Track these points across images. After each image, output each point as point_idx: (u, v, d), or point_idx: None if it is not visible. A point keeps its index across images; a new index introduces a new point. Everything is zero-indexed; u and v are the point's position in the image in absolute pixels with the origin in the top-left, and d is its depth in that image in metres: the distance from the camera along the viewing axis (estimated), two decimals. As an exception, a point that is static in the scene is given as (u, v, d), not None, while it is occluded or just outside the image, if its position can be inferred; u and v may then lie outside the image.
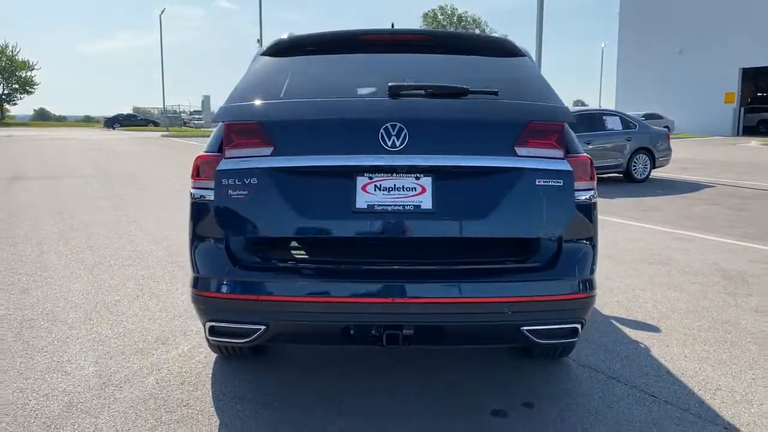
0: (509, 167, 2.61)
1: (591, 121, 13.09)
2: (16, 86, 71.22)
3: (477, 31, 79.78)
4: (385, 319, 2.60)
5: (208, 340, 3.00)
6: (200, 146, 3.22)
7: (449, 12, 79.79)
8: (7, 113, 74.02)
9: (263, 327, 2.62)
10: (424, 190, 2.59)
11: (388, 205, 2.57)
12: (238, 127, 2.65)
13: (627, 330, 4.15)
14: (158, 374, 3.38)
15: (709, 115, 40.28)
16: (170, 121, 56.85)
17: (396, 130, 2.56)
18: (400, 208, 2.57)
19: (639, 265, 5.98)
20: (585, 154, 2.78)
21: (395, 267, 2.64)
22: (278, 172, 2.60)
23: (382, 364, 3.55)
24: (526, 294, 2.63)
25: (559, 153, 2.64)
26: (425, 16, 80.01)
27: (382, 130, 2.56)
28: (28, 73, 71.10)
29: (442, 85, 2.75)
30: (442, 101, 2.70)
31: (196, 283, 2.72)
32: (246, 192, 2.60)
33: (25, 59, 71.04)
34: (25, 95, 72.17)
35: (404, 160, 2.56)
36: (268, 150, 2.61)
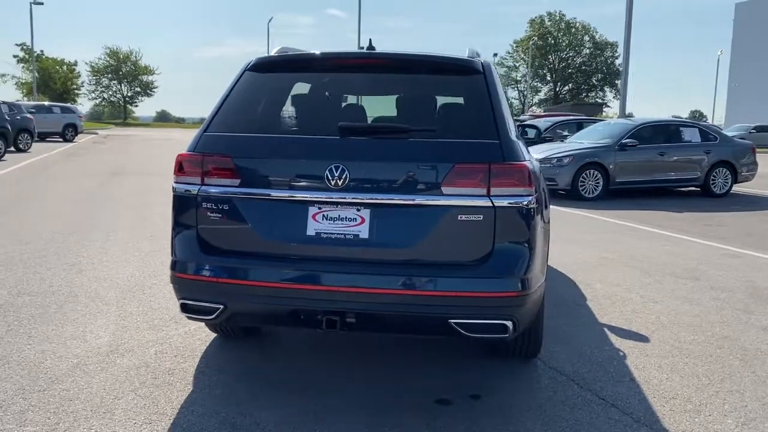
0: (436, 204, 2.90)
1: (666, 132, 12.70)
2: (139, 89, 76.74)
3: (586, 38, 77.52)
4: (322, 306, 2.91)
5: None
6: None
7: (557, 18, 78.15)
8: (131, 114, 79.90)
9: (222, 306, 3.00)
10: (363, 220, 2.93)
11: (332, 233, 2.94)
12: (214, 159, 3.07)
13: (614, 338, 4.21)
14: (159, 347, 3.83)
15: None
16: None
17: (339, 171, 2.91)
18: (342, 236, 2.93)
19: (666, 278, 5.90)
20: (523, 162, 2.95)
21: (330, 265, 2.96)
22: (245, 199, 3.02)
23: (358, 351, 3.85)
24: (452, 289, 2.86)
25: (482, 191, 2.88)
26: (531, 22, 78.73)
27: (327, 172, 2.92)
28: (150, 77, 76.49)
29: (384, 125, 3.12)
30: (382, 142, 3.03)
31: (174, 266, 3.13)
32: (220, 214, 3.05)
33: (147, 64, 76.42)
34: (146, 97, 77.69)
35: (346, 196, 2.92)
36: (237, 181, 3.03)
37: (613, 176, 12.00)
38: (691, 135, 12.78)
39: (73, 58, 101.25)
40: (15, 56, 64.77)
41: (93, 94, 75.21)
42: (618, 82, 73.91)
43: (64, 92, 65.33)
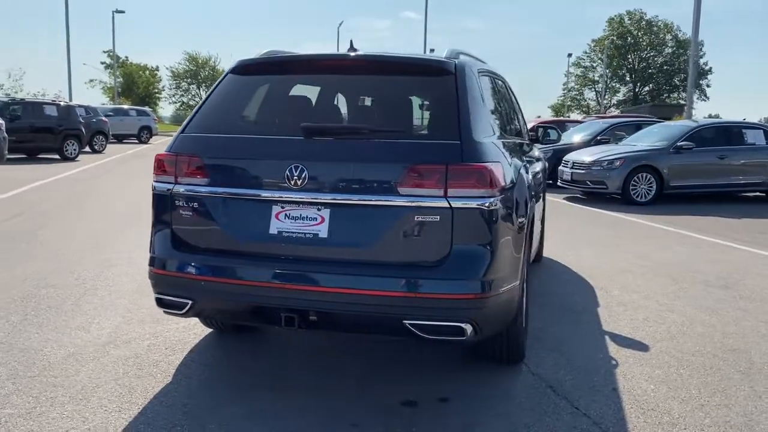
0: (393, 205, 2.89)
1: (727, 134, 12.10)
2: (217, 94, 79.12)
3: (668, 37, 74.26)
4: (282, 303, 2.97)
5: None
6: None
7: (637, 17, 75.43)
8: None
9: (190, 302, 3.11)
10: (322, 220, 2.97)
11: (293, 232, 2.99)
12: (186, 159, 3.18)
13: (612, 347, 4.07)
14: (154, 340, 3.98)
15: None
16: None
17: (298, 171, 2.96)
18: (302, 235, 2.98)
19: (695, 286, 5.64)
20: (483, 163, 2.91)
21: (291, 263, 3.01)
22: (212, 198, 3.13)
23: (342, 350, 3.89)
24: (407, 290, 2.85)
25: (439, 192, 2.85)
26: (610, 21, 76.29)
27: (287, 171, 2.97)
28: (227, 82, 78.74)
29: (343, 126, 3.16)
30: (342, 143, 3.06)
31: (151, 262, 3.27)
32: (191, 212, 3.17)
33: (224, 69, 78.72)
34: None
35: (305, 196, 2.96)
36: (206, 180, 3.14)
37: (668, 180, 11.52)
38: (755, 137, 12.12)
39: (155, 63, 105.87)
40: (102, 62, 68.30)
41: (173, 99, 78.48)
42: (703, 81, 70.77)
43: (146, 96, 68.38)
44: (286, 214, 3.02)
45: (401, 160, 2.91)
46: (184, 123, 3.35)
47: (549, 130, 5.66)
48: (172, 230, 3.22)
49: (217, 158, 3.15)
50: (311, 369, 3.61)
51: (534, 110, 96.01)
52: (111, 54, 65.17)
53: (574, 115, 65.38)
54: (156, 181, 3.29)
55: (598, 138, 14.49)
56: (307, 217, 2.99)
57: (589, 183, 11.84)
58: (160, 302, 3.24)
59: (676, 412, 3.17)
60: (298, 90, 3.52)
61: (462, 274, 2.89)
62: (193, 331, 4.16)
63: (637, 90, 76.69)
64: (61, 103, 20.78)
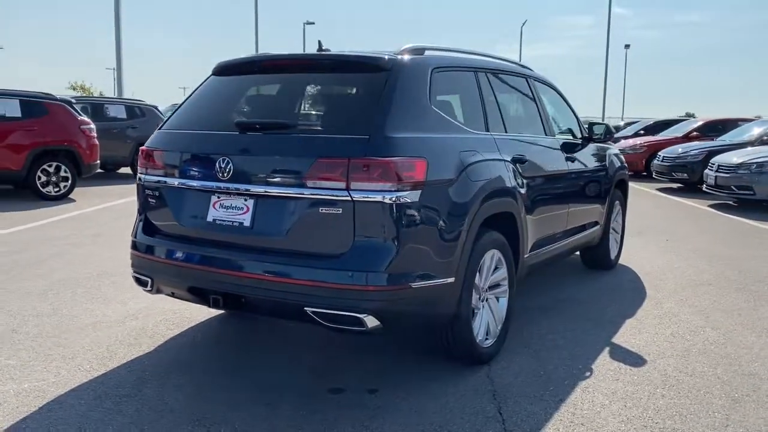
0: (302, 196, 3.04)
1: None
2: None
3: None
4: (209, 286, 3.25)
5: None
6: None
7: None
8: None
9: (150, 280, 3.50)
10: (247, 210, 3.21)
11: (224, 221, 3.27)
12: (149, 153, 3.60)
13: (602, 358, 3.79)
14: (166, 316, 4.42)
15: None
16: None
17: (225, 163, 3.22)
18: (231, 223, 3.25)
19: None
20: (390, 158, 2.92)
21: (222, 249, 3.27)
22: (168, 187, 3.51)
23: (288, 344, 4.04)
24: (310, 278, 2.98)
25: (342, 185, 2.94)
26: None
27: (218, 164, 3.24)
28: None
29: (266, 121, 3.35)
30: (264, 137, 3.25)
31: (131, 245, 3.71)
32: (153, 200, 3.60)
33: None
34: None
35: (230, 186, 3.23)
36: (162, 172, 3.53)
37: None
38: None
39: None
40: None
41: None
42: None
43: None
44: (220, 204, 3.29)
45: (311, 154, 3.03)
46: (164, 120, 3.76)
47: (594, 127, 5.30)
48: (144, 216, 3.65)
49: (173, 152, 3.50)
50: (256, 353, 3.84)
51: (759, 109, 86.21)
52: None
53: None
54: (139, 173, 3.73)
55: (765, 138, 12.88)
56: (235, 206, 3.23)
57: (734, 188, 10.59)
58: (135, 279, 3.67)
59: (608, 428, 2.92)
60: (254, 89, 3.76)
61: (362, 266, 2.94)
62: (206, 311, 4.55)
63: None
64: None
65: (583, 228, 5.23)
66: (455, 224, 3.24)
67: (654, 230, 8.45)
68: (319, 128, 3.26)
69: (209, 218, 3.31)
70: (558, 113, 5.27)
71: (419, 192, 3.02)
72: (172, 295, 3.58)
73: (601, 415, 3.07)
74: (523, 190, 3.90)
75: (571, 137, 5.25)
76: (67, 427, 2.88)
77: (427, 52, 3.60)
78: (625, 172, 6.26)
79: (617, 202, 6.11)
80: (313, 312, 2.97)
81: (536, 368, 3.62)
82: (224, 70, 3.75)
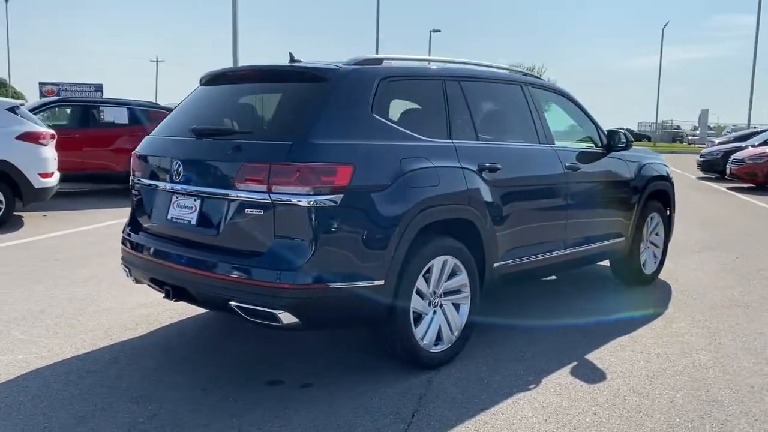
0: (233, 198, 3.31)
1: None
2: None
3: None
4: (161, 278, 3.60)
5: None
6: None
7: None
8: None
9: (128, 270, 3.91)
10: (195, 209, 3.52)
11: (179, 218, 3.61)
12: (137, 157, 4.02)
13: (560, 373, 3.71)
14: (174, 305, 4.85)
15: None
16: (663, 137, 58.36)
17: (176, 166, 3.58)
18: (182, 221, 3.59)
19: (799, 331, 4.53)
20: (307, 164, 3.10)
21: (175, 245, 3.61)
22: (143, 187, 3.94)
23: (267, 337, 4.25)
24: (232, 274, 3.22)
25: (263, 188, 3.18)
26: None
27: (172, 167, 3.60)
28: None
29: (209, 128, 3.60)
30: (206, 142, 3.54)
31: (121, 239, 4.15)
32: (135, 199, 4.05)
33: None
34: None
35: (177, 187, 3.59)
36: (140, 173, 3.96)
37: None
38: None
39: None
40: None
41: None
42: None
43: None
44: (177, 203, 3.63)
45: (240, 159, 3.29)
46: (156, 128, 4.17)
47: (614, 135, 5.08)
48: (132, 214, 4.07)
49: (152, 156, 3.88)
50: (228, 344, 4.12)
51: None
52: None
53: None
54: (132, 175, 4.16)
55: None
56: (187, 206, 3.56)
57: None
58: (123, 269, 4.10)
59: (506, 440, 2.90)
60: (220, 98, 4.04)
61: (278, 265, 3.14)
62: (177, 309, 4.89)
63: None
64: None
65: (596, 239, 5.03)
66: (385, 228, 3.33)
67: (731, 246, 7.82)
68: (252, 135, 3.51)
69: (168, 216, 3.66)
70: (570, 122, 5.13)
71: (341, 196, 3.16)
72: (150, 285, 3.97)
73: (513, 426, 3.04)
74: (488, 198, 3.89)
75: (585, 146, 5.09)
76: (26, 393, 3.32)
77: (385, 63, 3.73)
78: (667, 183, 5.91)
79: (655, 214, 5.79)
80: (236, 306, 3.21)
81: (485, 377, 3.62)
82: (204, 80, 4.10)
